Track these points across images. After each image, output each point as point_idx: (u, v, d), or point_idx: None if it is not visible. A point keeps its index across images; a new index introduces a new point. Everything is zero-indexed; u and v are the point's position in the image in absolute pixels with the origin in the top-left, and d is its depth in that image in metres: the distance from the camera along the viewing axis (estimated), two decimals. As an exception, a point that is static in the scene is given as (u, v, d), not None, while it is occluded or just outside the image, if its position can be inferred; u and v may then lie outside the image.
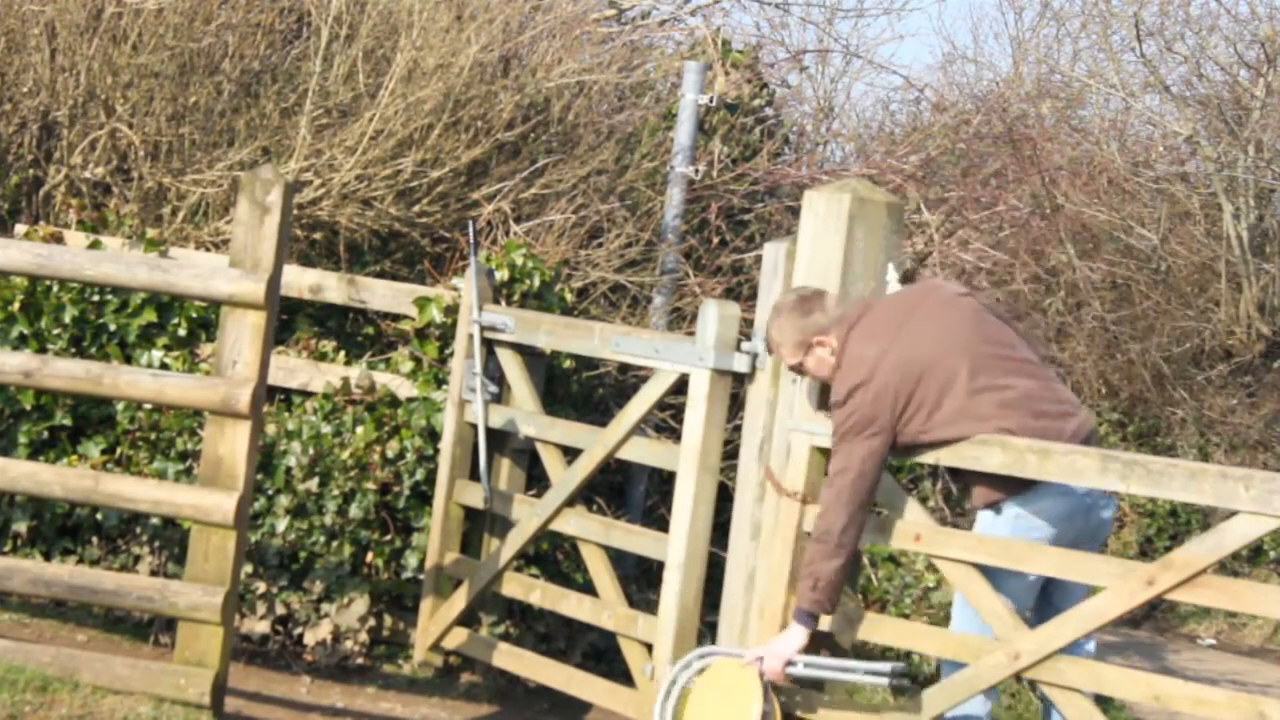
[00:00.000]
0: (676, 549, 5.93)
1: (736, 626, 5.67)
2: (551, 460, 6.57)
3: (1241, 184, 13.97)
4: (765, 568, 5.57)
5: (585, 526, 6.42)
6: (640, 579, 7.28)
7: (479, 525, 6.89)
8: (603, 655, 6.93)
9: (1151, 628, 12.10)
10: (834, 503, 5.16)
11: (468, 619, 6.78)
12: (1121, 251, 14.04)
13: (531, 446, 6.75)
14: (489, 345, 6.74)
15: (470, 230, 6.86)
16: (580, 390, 7.37)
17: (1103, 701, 5.11)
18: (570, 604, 6.44)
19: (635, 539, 6.32)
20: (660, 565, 6.13)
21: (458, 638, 6.76)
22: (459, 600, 6.69)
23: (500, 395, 6.79)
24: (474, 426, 6.74)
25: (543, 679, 6.50)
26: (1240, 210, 13.98)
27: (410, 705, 6.58)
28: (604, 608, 6.29)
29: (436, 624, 6.77)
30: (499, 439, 6.81)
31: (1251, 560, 12.84)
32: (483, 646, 6.70)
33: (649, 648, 6.06)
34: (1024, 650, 4.99)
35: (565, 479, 6.43)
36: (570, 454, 6.50)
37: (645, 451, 6.40)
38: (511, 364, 6.75)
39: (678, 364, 6.04)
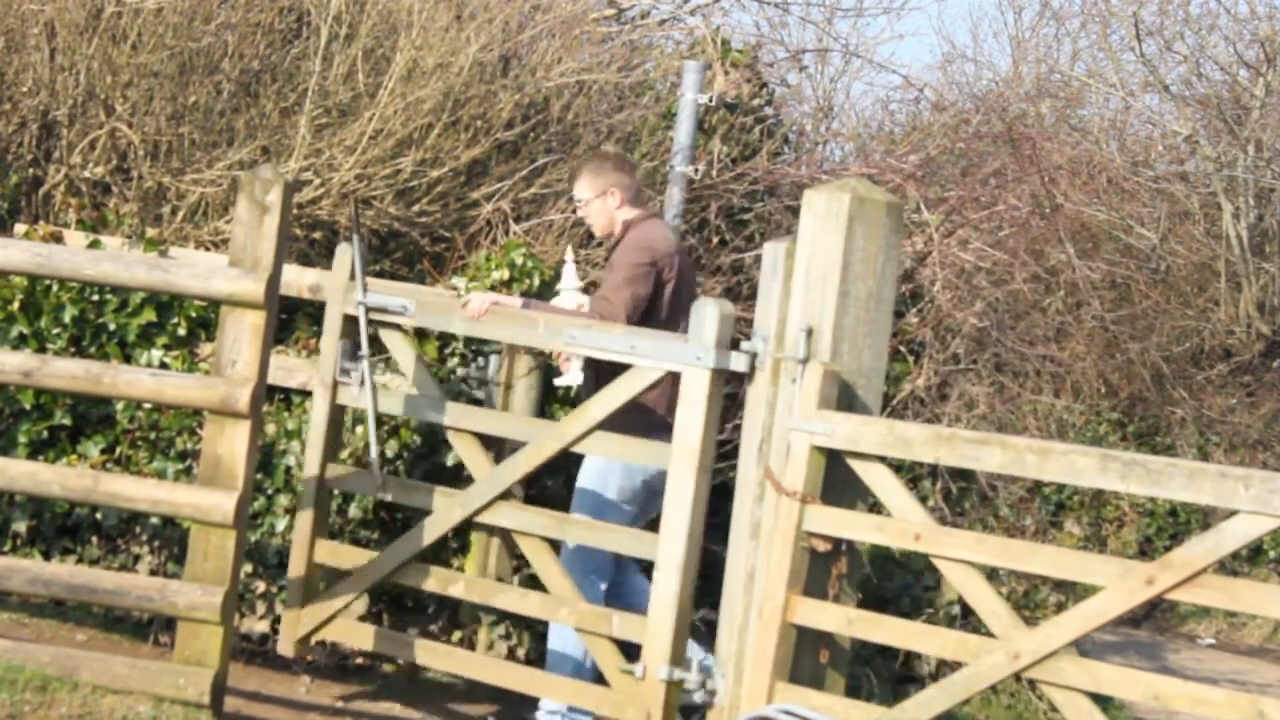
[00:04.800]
0: (674, 549, 5.84)
1: (736, 626, 5.67)
2: (469, 451, 6.27)
3: (1241, 183, 13.99)
4: (765, 567, 5.56)
5: (528, 520, 6.13)
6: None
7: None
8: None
9: (1151, 627, 12.11)
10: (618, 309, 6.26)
11: (376, 614, 6.60)
12: (1121, 251, 14.07)
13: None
14: (373, 328, 6.34)
15: (353, 208, 6.51)
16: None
17: (1103, 701, 5.12)
18: (511, 599, 6.20)
19: (607, 536, 6.09)
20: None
21: (346, 631, 6.44)
22: (346, 592, 6.35)
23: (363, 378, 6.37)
24: (343, 409, 6.44)
25: (489, 678, 6.25)
26: (1240, 210, 13.99)
27: (409, 704, 6.58)
28: (560, 604, 6.06)
29: (311, 617, 6.39)
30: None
31: (1251, 560, 12.86)
32: (397, 644, 6.38)
33: (618, 645, 5.96)
34: (1024, 650, 4.99)
35: (504, 471, 6.14)
36: (493, 446, 6.34)
37: (611, 447, 6.10)
38: (404, 349, 6.41)
39: (663, 362, 5.87)
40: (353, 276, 6.35)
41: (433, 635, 6.83)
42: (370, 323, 6.32)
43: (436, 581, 6.29)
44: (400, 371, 6.52)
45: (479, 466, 6.25)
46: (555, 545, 6.20)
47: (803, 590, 5.47)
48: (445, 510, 6.24)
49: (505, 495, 6.17)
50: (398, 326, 6.41)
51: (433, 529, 6.28)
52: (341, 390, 6.40)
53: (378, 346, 6.43)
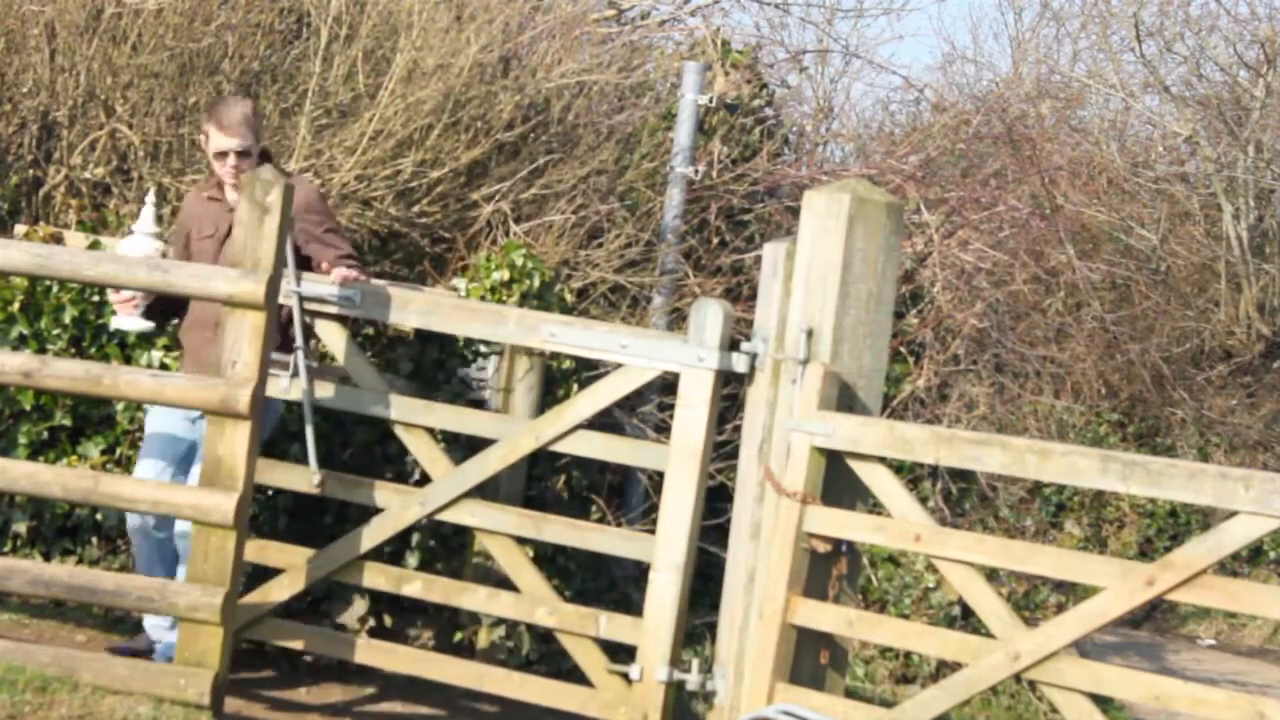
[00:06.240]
0: (675, 549, 5.83)
1: (736, 626, 5.67)
2: (423, 447, 6.12)
3: (1241, 184, 13.99)
4: (765, 568, 5.57)
5: (496, 519, 6.03)
6: (640, 578, 7.24)
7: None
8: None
9: (1151, 628, 12.12)
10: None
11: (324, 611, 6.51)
12: (1121, 252, 14.08)
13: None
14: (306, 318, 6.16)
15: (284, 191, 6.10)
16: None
17: (1103, 702, 5.13)
18: (478, 599, 6.09)
19: (593, 537, 6.04)
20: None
21: (277, 631, 6.29)
22: (277, 592, 6.22)
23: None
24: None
25: (433, 674, 6.15)
26: (1240, 211, 14.00)
27: (410, 704, 6.58)
28: (537, 603, 5.99)
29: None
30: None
31: (1251, 560, 12.87)
32: (333, 642, 6.23)
33: (600, 645, 5.93)
34: (1024, 651, 4.99)
35: (470, 468, 6.02)
36: (450, 443, 6.24)
37: (600, 447, 6.03)
38: (339, 341, 6.20)
39: (658, 362, 5.85)
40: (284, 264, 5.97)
41: (433, 637, 6.83)
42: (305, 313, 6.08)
43: (388, 580, 6.14)
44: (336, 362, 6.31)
45: (436, 465, 6.09)
46: (526, 544, 6.12)
47: (803, 591, 5.47)
48: (401, 508, 6.09)
49: (471, 493, 6.01)
50: (333, 317, 6.16)
51: (384, 527, 6.11)
52: (268, 382, 6.02)
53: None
